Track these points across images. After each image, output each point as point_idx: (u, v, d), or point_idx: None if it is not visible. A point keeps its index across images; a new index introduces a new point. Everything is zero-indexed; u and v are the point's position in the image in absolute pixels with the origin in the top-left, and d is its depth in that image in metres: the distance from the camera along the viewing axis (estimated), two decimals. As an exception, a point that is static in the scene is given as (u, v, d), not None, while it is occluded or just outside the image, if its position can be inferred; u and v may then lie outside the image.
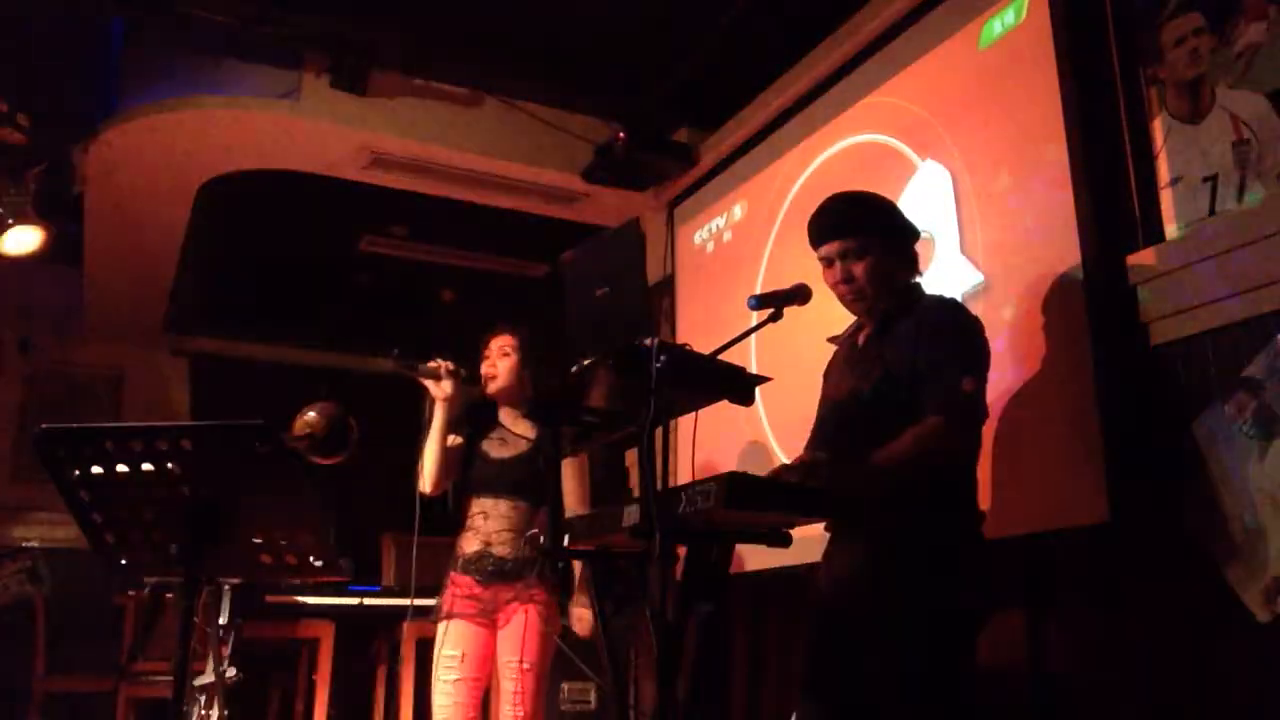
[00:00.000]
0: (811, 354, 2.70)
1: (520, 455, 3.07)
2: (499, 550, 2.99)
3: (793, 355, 3.35)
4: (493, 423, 3.15)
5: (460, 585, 3.02)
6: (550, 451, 2.45)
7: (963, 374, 2.13)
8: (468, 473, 3.09)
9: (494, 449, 3.10)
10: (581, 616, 3.10)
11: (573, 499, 3.04)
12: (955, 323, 2.23)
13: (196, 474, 1.83)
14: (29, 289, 5.77)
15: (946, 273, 3.21)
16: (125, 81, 4.48)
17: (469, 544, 3.03)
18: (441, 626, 2.99)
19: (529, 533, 2.59)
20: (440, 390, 2.98)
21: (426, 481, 3.02)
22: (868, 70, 3.75)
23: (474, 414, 3.15)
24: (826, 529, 2.32)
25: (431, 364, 3.00)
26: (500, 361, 3.11)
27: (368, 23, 4.17)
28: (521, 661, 2.90)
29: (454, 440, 3.09)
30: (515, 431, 3.12)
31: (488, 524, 3.02)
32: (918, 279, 2.38)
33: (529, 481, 3.02)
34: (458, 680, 2.94)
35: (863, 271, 2.28)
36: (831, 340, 2.52)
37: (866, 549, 2.19)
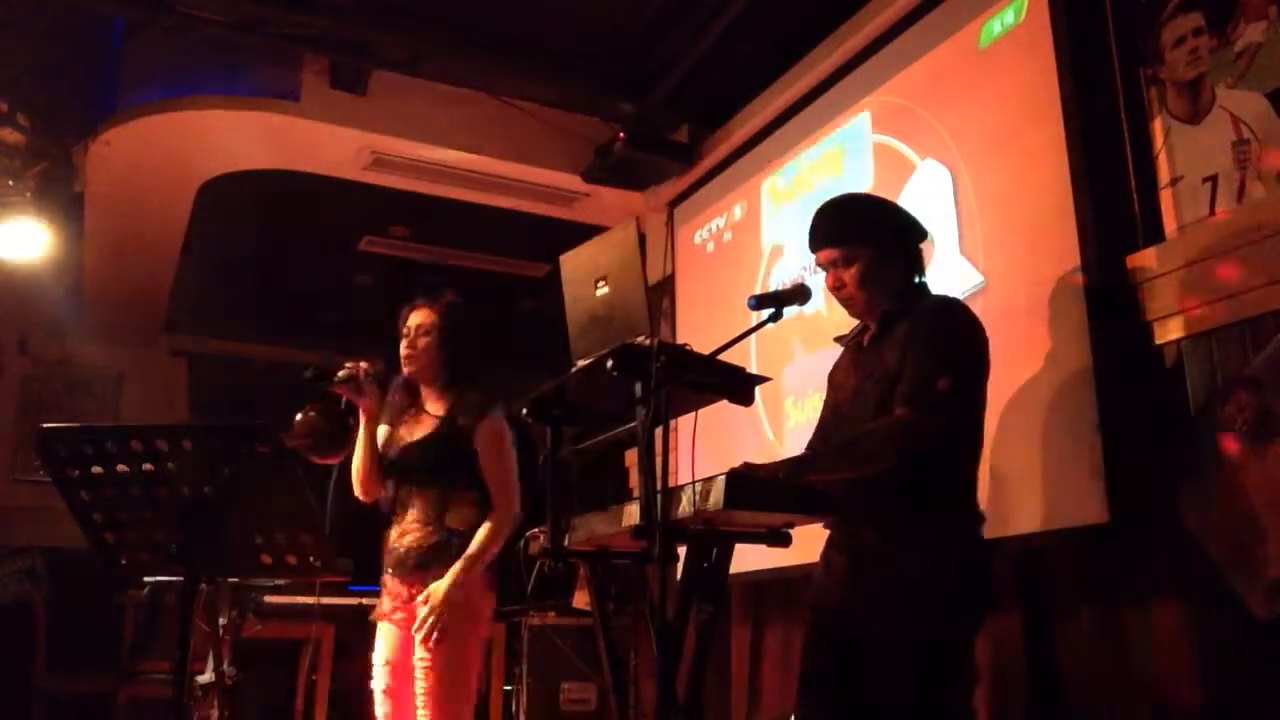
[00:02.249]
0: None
1: (428, 436, 2.82)
2: (409, 541, 2.76)
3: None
4: (411, 403, 2.92)
5: (385, 583, 2.83)
6: (551, 451, 2.43)
7: (939, 373, 2.13)
8: (387, 459, 2.87)
9: (407, 432, 2.87)
10: (430, 595, 2.69)
11: (493, 484, 2.78)
12: (944, 325, 2.23)
13: (196, 474, 1.84)
14: (29, 289, 5.77)
15: (946, 273, 3.21)
16: (125, 81, 4.49)
17: (390, 537, 2.83)
18: (378, 627, 2.82)
19: (529, 533, 2.55)
20: (365, 399, 2.78)
21: (359, 490, 2.85)
22: (867, 70, 3.75)
23: (397, 399, 2.93)
24: (826, 527, 2.32)
25: (346, 370, 2.77)
26: (420, 340, 2.85)
27: (368, 23, 4.17)
28: (423, 658, 2.64)
29: (385, 435, 2.89)
30: (428, 410, 2.87)
31: (404, 514, 2.81)
32: (923, 279, 2.38)
33: (436, 463, 2.78)
34: (385, 690, 2.77)
35: (852, 278, 2.29)
36: (838, 340, 2.52)
37: (865, 550, 2.19)
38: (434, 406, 2.88)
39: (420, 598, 2.69)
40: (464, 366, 2.89)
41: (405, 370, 2.88)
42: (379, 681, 2.79)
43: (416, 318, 2.89)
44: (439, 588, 2.67)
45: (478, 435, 2.79)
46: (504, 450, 2.82)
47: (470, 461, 2.79)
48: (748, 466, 2.08)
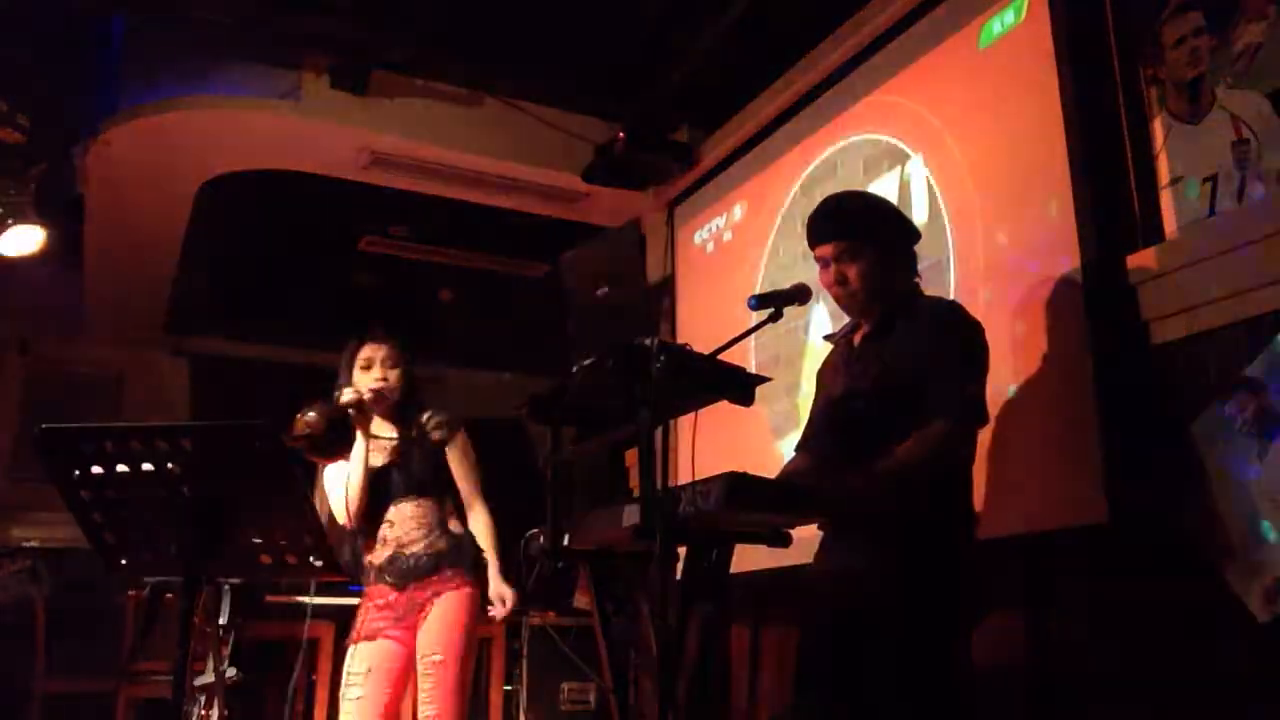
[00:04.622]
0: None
1: (405, 452, 2.98)
2: (411, 549, 2.89)
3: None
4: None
5: (374, 595, 2.91)
6: (550, 452, 2.43)
7: (967, 378, 2.13)
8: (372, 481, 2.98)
9: (376, 458, 2.98)
10: (502, 596, 2.96)
11: (472, 489, 3.02)
12: (957, 326, 2.23)
13: (196, 474, 1.83)
14: (29, 289, 5.76)
15: (945, 273, 3.21)
16: (125, 81, 4.48)
17: (379, 554, 2.93)
18: (351, 649, 2.88)
19: (529, 533, 2.55)
20: (366, 422, 2.91)
21: (351, 517, 2.90)
22: (867, 70, 3.75)
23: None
24: (820, 528, 2.31)
25: (350, 396, 2.88)
26: (390, 373, 2.99)
27: (368, 23, 4.17)
28: (433, 654, 2.77)
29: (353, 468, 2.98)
30: (383, 435, 3.01)
31: (395, 529, 2.93)
32: (917, 280, 2.38)
33: (430, 475, 2.96)
34: (360, 699, 2.81)
35: (856, 274, 2.28)
36: (828, 339, 2.52)
37: (861, 549, 2.18)
38: (385, 429, 3.03)
39: (442, 602, 2.84)
40: (416, 391, 3.09)
41: (379, 402, 2.98)
42: (354, 689, 2.84)
43: (380, 351, 3.01)
44: (501, 587, 2.96)
45: (451, 446, 3.01)
46: (474, 458, 3.06)
47: (445, 471, 3.01)
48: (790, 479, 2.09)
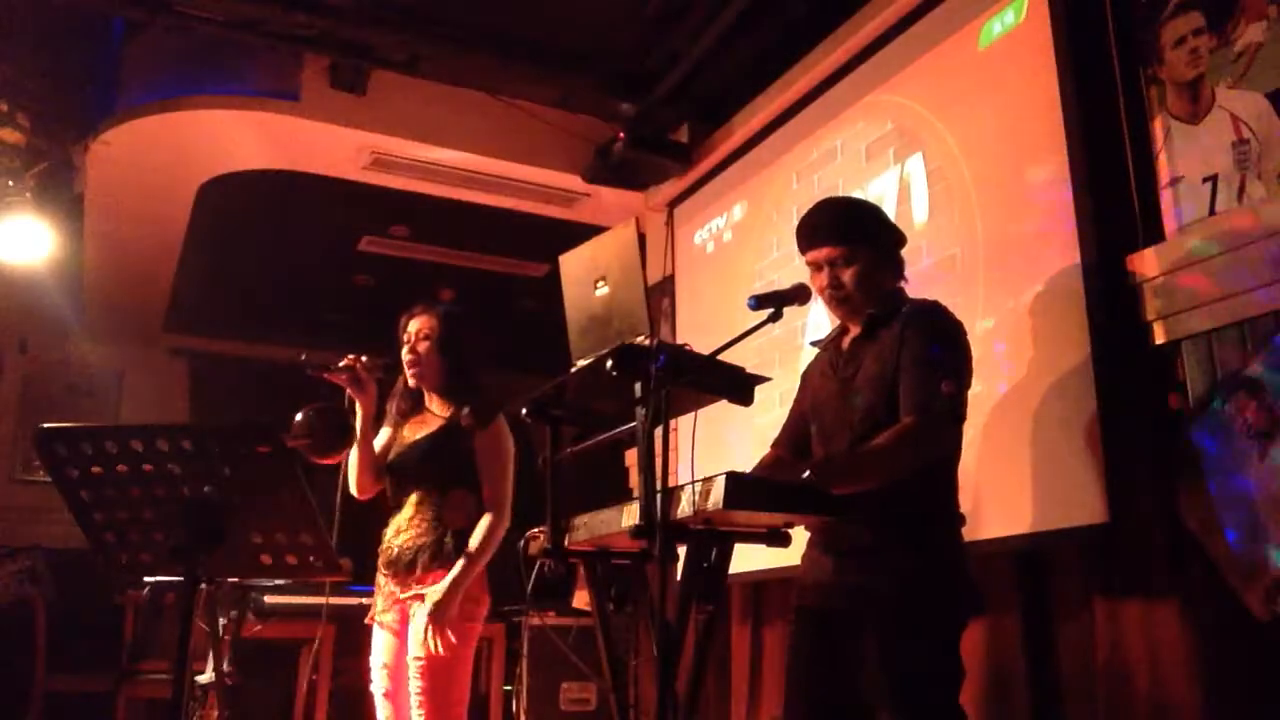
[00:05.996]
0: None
1: (430, 434, 2.88)
2: (404, 540, 2.81)
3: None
4: (417, 408, 2.98)
5: (378, 584, 2.88)
6: (551, 451, 2.43)
7: (941, 377, 2.14)
8: (388, 460, 2.93)
9: (410, 433, 2.93)
10: (435, 610, 2.68)
11: (490, 486, 2.81)
12: (936, 327, 2.24)
13: (196, 474, 1.84)
14: (29, 288, 5.77)
15: (944, 273, 3.21)
16: (125, 81, 4.49)
17: (385, 536, 2.88)
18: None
19: (529, 533, 2.55)
20: (362, 392, 2.82)
21: (354, 486, 2.88)
22: (867, 70, 3.75)
23: (400, 403, 2.98)
24: (807, 529, 2.31)
25: (345, 362, 2.82)
26: (420, 346, 2.90)
27: (368, 23, 4.17)
28: (417, 660, 2.69)
29: (388, 437, 2.94)
30: (432, 412, 2.93)
31: (400, 513, 2.86)
32: (902, 284, 2.39)
33: (435, 462, 2.83)
34: (384, 694, 2.81)
35: (850, 278, 2.29)
36: (815, 344, 2.53)
37: (853, 551, 2.18)
38: (438, 408, 2.94)
39: (422, 606, 2.70)
40: (464, 370, 2.94)
41: (408, 375, 2.94)
42: (378, 686, 2.84)
43: (416, 324, 2.95)
44: (438, 591, 2.68)
45: (480, 437, 2.84)
46: (504, 455, 2.86)
47: (469, 462, 2.83)
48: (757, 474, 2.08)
